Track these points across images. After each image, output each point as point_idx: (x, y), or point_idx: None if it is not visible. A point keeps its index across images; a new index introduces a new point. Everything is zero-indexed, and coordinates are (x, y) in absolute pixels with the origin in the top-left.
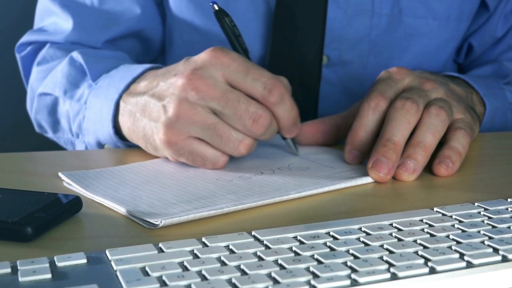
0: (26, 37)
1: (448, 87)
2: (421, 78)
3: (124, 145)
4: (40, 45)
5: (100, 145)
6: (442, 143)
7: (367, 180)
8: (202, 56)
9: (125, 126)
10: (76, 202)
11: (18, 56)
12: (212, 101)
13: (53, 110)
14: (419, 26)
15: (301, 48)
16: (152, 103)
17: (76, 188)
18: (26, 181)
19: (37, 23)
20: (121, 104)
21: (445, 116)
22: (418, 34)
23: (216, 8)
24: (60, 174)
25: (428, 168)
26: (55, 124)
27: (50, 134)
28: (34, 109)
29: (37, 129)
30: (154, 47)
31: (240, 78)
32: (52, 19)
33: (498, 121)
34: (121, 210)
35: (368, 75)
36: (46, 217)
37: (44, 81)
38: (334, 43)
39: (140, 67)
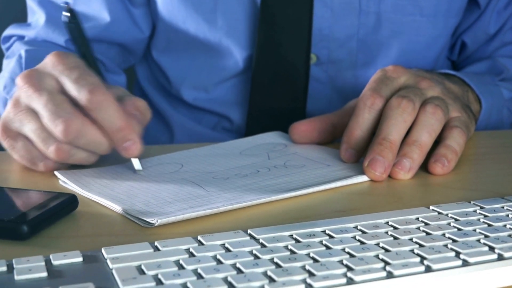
0: (8, 31)
1: (444, 86)
2: (417, 76)
3: None
4: (20, 38)
5: None
6: (438, 141)
7: (363, 178)
8: (45, 59)
9: None
10: (72, 201)
11: (3, 47)
12: (34, 102)
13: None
14: (407, 23)
15: (287, 47)
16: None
17: (72, 187)
18: (22, 180)
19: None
20: None
21: (441, 114)
22: (406, 31)
23: (68, 14)
24: (56, 172)
25: (424, 167)
26: None
27: None
28: None
29: None
30: (131, 52)
31: (68, 83)
32: (34, 16)
33: (494, 118)
34: (117, 208)
35: (358, 73)
36: (42, 215)
37: (1, 74)
38: (322, 41)
39: None
